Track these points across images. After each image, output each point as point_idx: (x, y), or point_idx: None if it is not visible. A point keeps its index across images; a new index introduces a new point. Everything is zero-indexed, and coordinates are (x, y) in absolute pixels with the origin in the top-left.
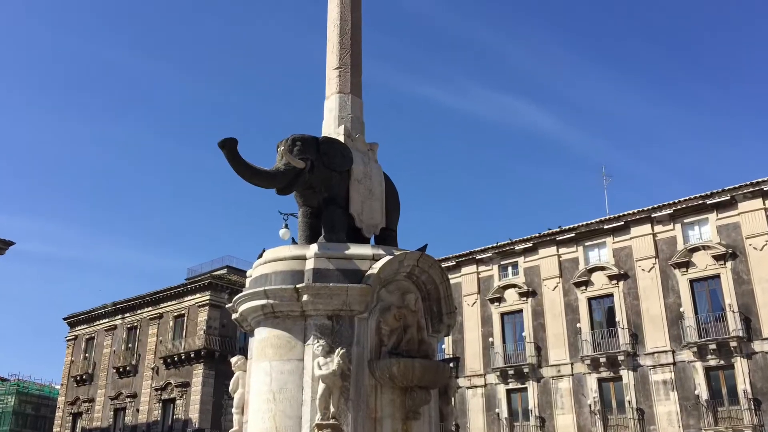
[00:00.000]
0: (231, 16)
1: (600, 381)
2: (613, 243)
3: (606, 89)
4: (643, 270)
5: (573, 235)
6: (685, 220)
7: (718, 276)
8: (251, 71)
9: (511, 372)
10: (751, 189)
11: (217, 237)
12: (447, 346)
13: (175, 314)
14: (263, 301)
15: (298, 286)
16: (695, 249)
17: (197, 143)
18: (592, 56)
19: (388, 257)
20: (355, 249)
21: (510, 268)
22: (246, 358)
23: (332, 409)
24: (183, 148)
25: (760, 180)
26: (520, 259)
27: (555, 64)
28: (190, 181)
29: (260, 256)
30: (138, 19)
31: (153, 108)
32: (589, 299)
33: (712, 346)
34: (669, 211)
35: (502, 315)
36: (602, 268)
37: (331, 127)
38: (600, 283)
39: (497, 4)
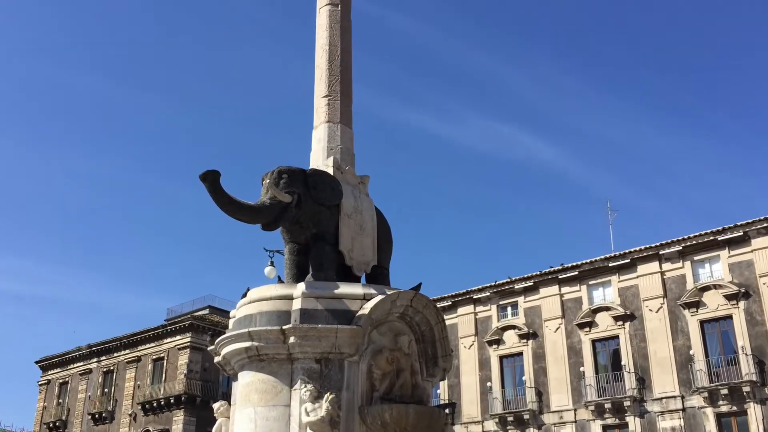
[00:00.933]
0: (212, 41)
1: (605, 428)
2: (619, 282)
3: (611, 118)
4: (650, 310)
5: (576, 273)
6: (695, 258)
7: (730, 317)
8: (234, 99)
9: (510, 419)
10: (765, 224)
11: (199, 275)
12: (442, 390)
13: (154, 357)
14: (247, 344)
15: (284, 327)
16: (706, 288)
17: (177, 176)
18: (597, 83)
19: (379, 297)
20: (345, 288)
21: (509, 309)
22: (229, 403)
23: None
24: (162, 182)
25: None
26: (520, 299)
27: (557, 92)
28: (170, 216)
29: (244, 295)
30: (113, 45)
31: (131, 139)
32: (594, 341)
33: (724, 391)
34: (678, 247)
35: (501, 358)
36: (607, 309)
37: (320, 159)
38: (605, 324)
39: (496, 29)
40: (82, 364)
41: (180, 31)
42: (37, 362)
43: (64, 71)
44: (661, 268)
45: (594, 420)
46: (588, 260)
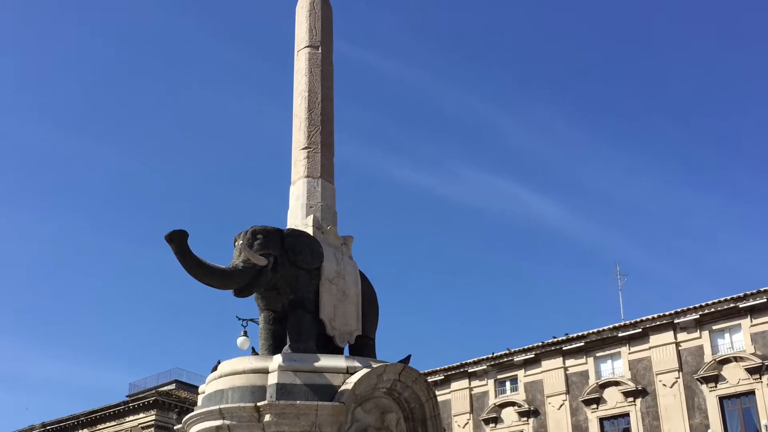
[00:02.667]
0: (179, 85)
1: None
2: (629, 354)
3: (619, 172)
4: (664, 385)
5: (582, 344)
6: (714, 327)
7: (752, 392)
8: (204, 150)
9: None
10: None
11: (164, 347)
12: None
13: None
14: (218, 422)
15: (259, 404)
16: (726, 360)
17: (140, 236)
18: (603, 133)
19: (364, 370)
20: (326, 361)
21: (508, 383)
22: None
23: None
24: (123, 243)
25: None
26: (520, 373)
27: (559, 143)
28: (133, 281)
29: (215, 368)
30: (69, 94)
31: (87, 195)
32: (601, 419)
33: None
34: (695, 315)
35: None
36: (616, 383)
37: (298, 218)
38: (614, 400)
39: (490, 73)
40: None
41: (143, 72)
42: None
43: (9, 119)
44: (675, 338)
45: None
46: (595, 330)
